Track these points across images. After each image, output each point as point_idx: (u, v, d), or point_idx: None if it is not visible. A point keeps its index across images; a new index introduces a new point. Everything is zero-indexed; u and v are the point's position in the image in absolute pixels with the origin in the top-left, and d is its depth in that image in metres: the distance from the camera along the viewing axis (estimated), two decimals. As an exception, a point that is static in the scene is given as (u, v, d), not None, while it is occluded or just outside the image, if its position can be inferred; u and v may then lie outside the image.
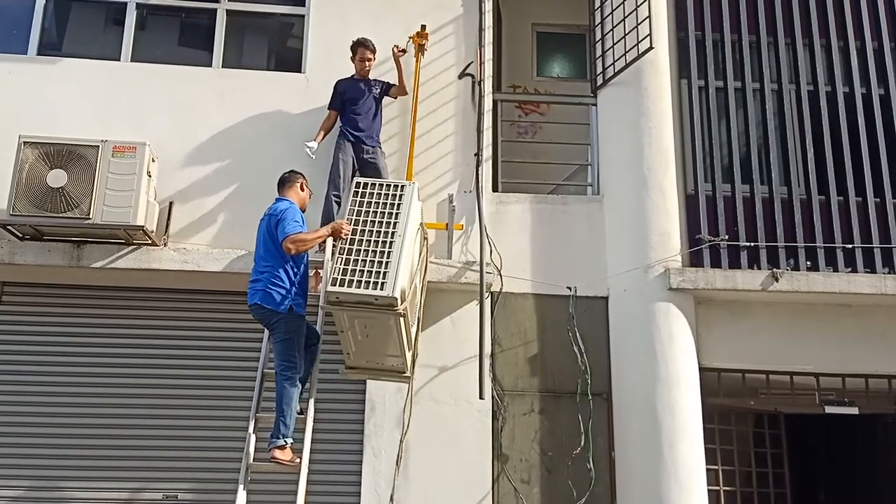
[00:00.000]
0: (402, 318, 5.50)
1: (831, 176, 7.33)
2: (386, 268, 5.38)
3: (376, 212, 5.64)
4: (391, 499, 6.35)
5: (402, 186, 5.77)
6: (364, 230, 5.56)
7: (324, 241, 5.70)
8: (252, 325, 6.15)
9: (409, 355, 5.92)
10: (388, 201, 5.67)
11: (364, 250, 5.46)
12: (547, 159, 8.15)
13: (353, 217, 5.62)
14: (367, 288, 5.33)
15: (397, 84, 6.89)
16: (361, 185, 5.79)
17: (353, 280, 5.36)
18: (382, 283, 5.33)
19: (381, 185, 5.80)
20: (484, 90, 7.19)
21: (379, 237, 5.52)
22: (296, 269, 5.58)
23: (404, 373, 6.03)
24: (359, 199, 5.70)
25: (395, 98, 6.99)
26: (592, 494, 6.51)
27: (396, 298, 5.33)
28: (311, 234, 5.67)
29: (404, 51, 6.94)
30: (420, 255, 6.04)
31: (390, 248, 5.47)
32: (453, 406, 6.54)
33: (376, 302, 5.36)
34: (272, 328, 5.54)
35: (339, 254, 5.48)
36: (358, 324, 5.62)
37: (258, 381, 5.76)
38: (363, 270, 5.39)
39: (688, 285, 6.77)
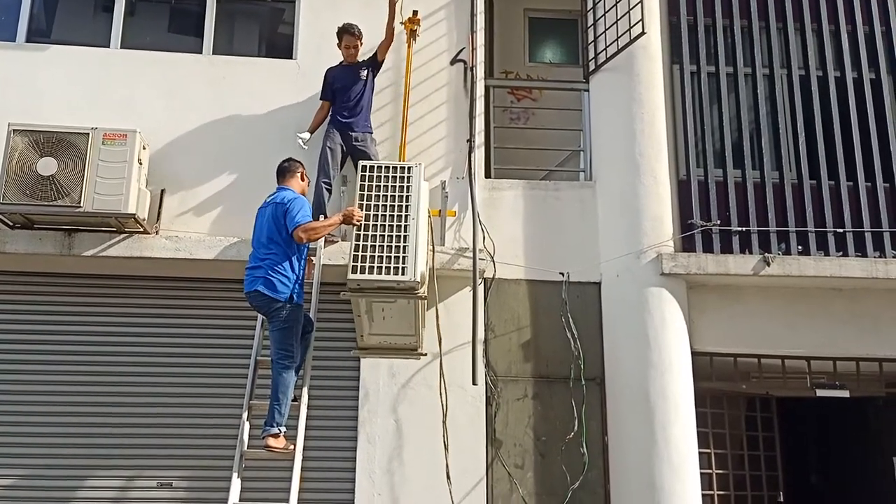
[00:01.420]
0: (422, 301, 5.55)
1: (822, 161, 7.35)
2: (405, 252, 5.43)
3: (386, 195, 5.64)
4: (447, 476, 6.33)
5: (410, 168, 5.77)
6: (377, 215, 5.57)
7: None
8: (245, 313, 6.16)
9: (422, 333, 6.00)
10: (397, 184, 5.68)
11: (380, 235, 5.49)
12: (539, 145, 8.12)
13: (363, 202, 5.62)
14: (389, 274, 5.39)
15: (381, 41, 6.77)
16: (367, 168, 5.77)
17: (372, 266, 5.40)
18: (403, 269, 5.39)
19: (387, 167, 5.78)
20: (476, 76, 7.17)
21: (393, 221, 5.55)
22: (300, 259, 5.59)
23: (416, 350, 6.14)
24: (366, 182, 5.69)
25: (383, 61, 6.86)
26: (586, 479, 6.55)
27: (418, 282, 5.41)
28: (323, 222, 5.71)
29: None
30: (429, 235, 6.09)
31: (406, 231, 5.51)
32: (447, 392, 6.53)
33: (398, 287, 5.41)
34: (271, 316, 5.53)
35: (355, 240, 5.50)
36: (375, 308, 5.67)
37: (252, 368, 5.78)
38: (381, 256, 5.43)
39: (680, 270, 6.79)
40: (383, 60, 6.87)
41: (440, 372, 6.47)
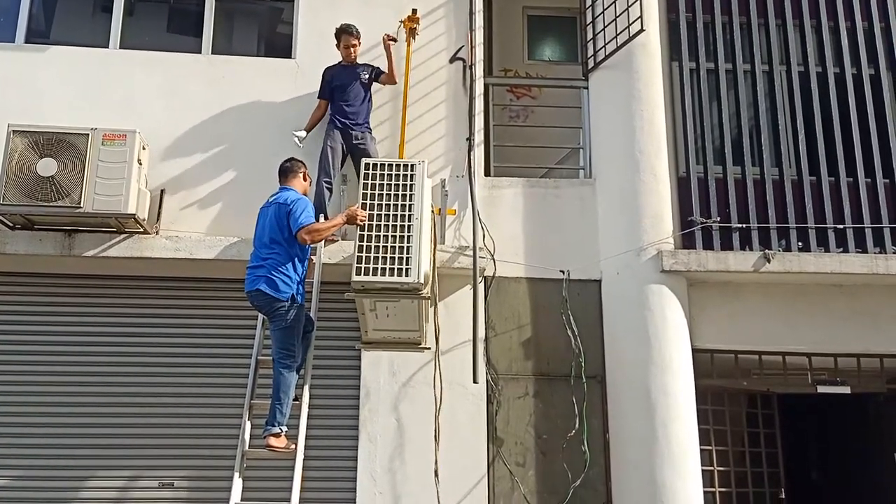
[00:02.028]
0: (425, 300, 5.59)
1: (822, 157, 7.35)
2: (408, 253, 5.44)
3: (389, 194, 5.64)
4: (436, 473, 6.33)
5: (413, 166, 5.76)
6: (380, 214, 5.57)
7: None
8: (246, 313, 6.17)
9: (425, 328, 6.01)
10: (400, 182, 5.68)
11: (383, 235, 5.50)
12: (539, 143, 8.12)
13: (367, 201, 5.62)
14: (392, 275, 5.41)
15: (387, 72, 6.87)
16: (370, 166, 5.76)
17: (376, 268, 5.41)
18: (407, 270, 5.40)
19: (390, 165, 5.78)
20: (475, 74, 7.16)
21: (397, 221, 5.55)
22: (302, 259, 5.60)
23: (420, 344, 6.18)
24: (369, 181, 5.69)
25: (384, 85, 6.95)
26: (587, 476, 6.55)
27: (422, 283, 5.43)
28: (327, 223, 5.72)
29: (395, 39, 6.91)
30: (432, 232, 6.10)
31: (409, 231, 5.51)
32: (448, 390, 6.54)
33: (402, 288, 5.43)
34: (272, 315, 5.53)
35: (359, 240, 5.50)
36: (379, 306, 5.68)
37: (252, 368, 5.79)
38: (385, 257, 5.43)
39: (680, 267, 6.78)
40: (384, 84, 6.92)
41: (435, 366, 6.46)
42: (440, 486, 6.33)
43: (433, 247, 6.12)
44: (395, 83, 6.92)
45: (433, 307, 6.36)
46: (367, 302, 5.65)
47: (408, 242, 5.46)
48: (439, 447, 6.41)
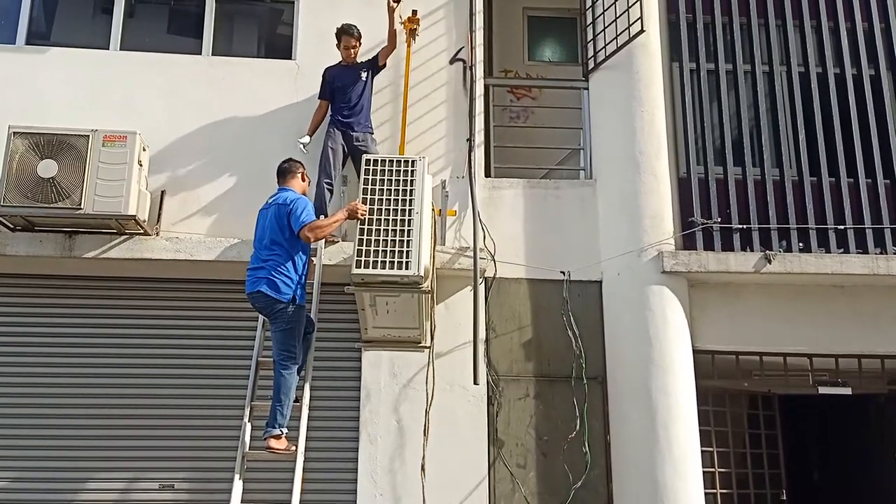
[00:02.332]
0: (425, 295, 5.61)
1: (823, 157, 7.34)
2: (408, 247, 5.48)
3: (390, 189, 5.69)
4: (422, 468, 6.34)
5: (413, 162, 5.80)
6: (381, 209, 5.60)
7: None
8: (246, 314, 6.17)
9: (426, 326, 6.03)
10: (401, 178, 5.71)
11: (384, 230, 5.54)
12: (539, 144, 8.11)
13: (367, 196, 5.65)
14: (392, 268, 5.44)
15: (384, 47, 6.82)
16: (371, 162, 5.80)
17: (376, 261, 5.45)
18: (407, 263, 5.43)
19: (391, 161, 5.81)
20: (475, 75, 7.16)
21: (397, 216, 5.59)
22: (303, 260, 5.60)
23: (420, 343, 6.20)
24: (370, 177, 5.72)
25: (384, 65, 6.91)
26: (588, 478, 6.54)
27: (422, 276, 5.45)
28: (328, 220, 5.74)
29: (398, 0, 6.86)
30: (433, 229, 6.11)
31: (410, 226, 5.55)
32: (448, 392, 6.55)
33: (402, 281, 5.46)
34: (273, 317, 5.54)
35: (359, 234, 5.53)
36: (380, 301, 5.71)
37: (253, 369, 5.79)
38: (385, 251, 5.47)
39: (681, 268, 6.78)
40: (385, 65, 6.89)
41: (429, 362, 6.49)
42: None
43: (433, 243, 6.13)
44: (394, 48, 6.86)
45: (432, 306, 6.37)
46: (367, 297, 5.67)
47: (408, 237, 5.51)
48: (428, 443, 6.40)
